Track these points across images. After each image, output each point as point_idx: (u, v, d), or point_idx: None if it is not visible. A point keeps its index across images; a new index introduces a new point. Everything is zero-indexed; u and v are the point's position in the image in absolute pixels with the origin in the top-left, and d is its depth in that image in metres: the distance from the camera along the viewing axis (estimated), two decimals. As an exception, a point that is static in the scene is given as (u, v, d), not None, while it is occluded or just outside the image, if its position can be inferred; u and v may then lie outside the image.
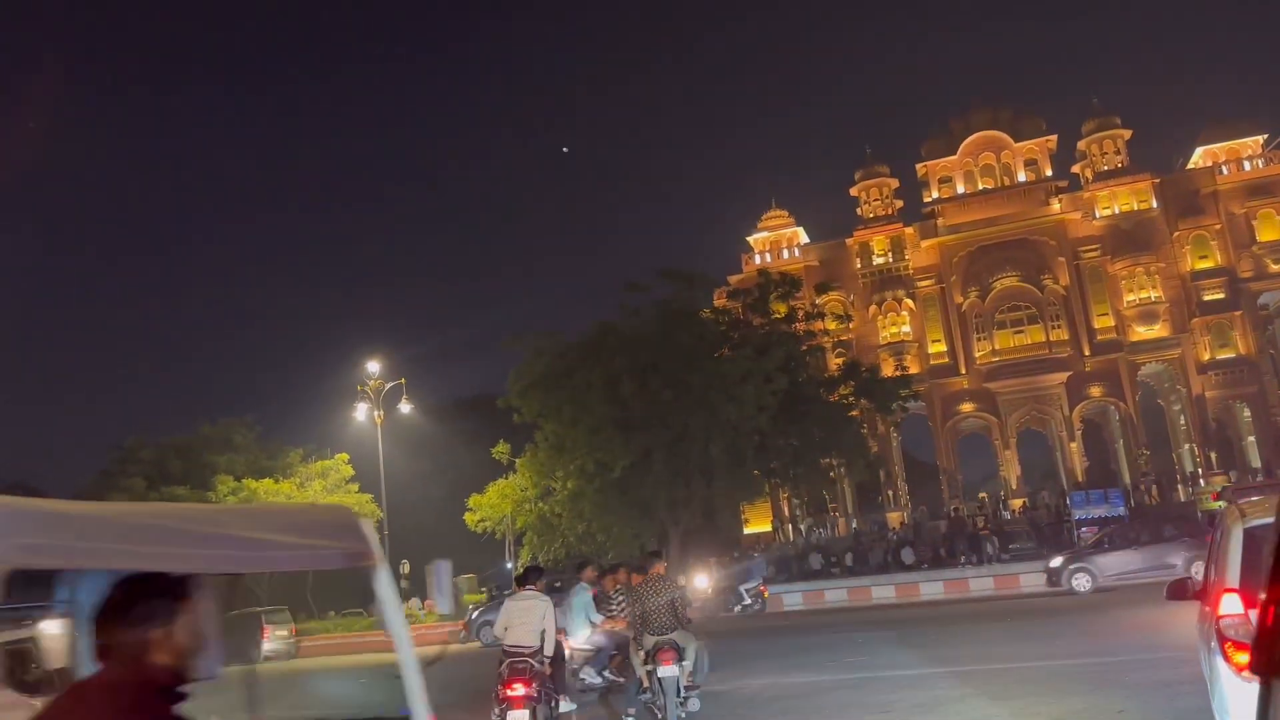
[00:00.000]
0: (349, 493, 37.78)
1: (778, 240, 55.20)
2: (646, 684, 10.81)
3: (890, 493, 51.24)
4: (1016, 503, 45.58)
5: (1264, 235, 46.26)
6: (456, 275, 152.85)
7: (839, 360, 36.25)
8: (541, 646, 10.43)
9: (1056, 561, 26.07)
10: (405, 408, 35.79)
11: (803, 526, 50.99)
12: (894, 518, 47.90)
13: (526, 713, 10.10)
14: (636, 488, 30.61)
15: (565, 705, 10.81)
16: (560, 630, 11.17)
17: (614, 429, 29.23)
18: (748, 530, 50.61)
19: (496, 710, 10.21)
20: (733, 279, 47.83)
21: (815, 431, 32.73)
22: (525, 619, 10.46)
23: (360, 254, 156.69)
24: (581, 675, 12.57)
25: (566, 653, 11.72)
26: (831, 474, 36.28)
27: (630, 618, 11.27)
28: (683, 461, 30.05)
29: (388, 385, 35.26)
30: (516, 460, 34.87)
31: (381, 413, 35.12)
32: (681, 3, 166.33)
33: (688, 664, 10.84)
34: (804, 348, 32.46)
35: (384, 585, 2.57)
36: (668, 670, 10.49)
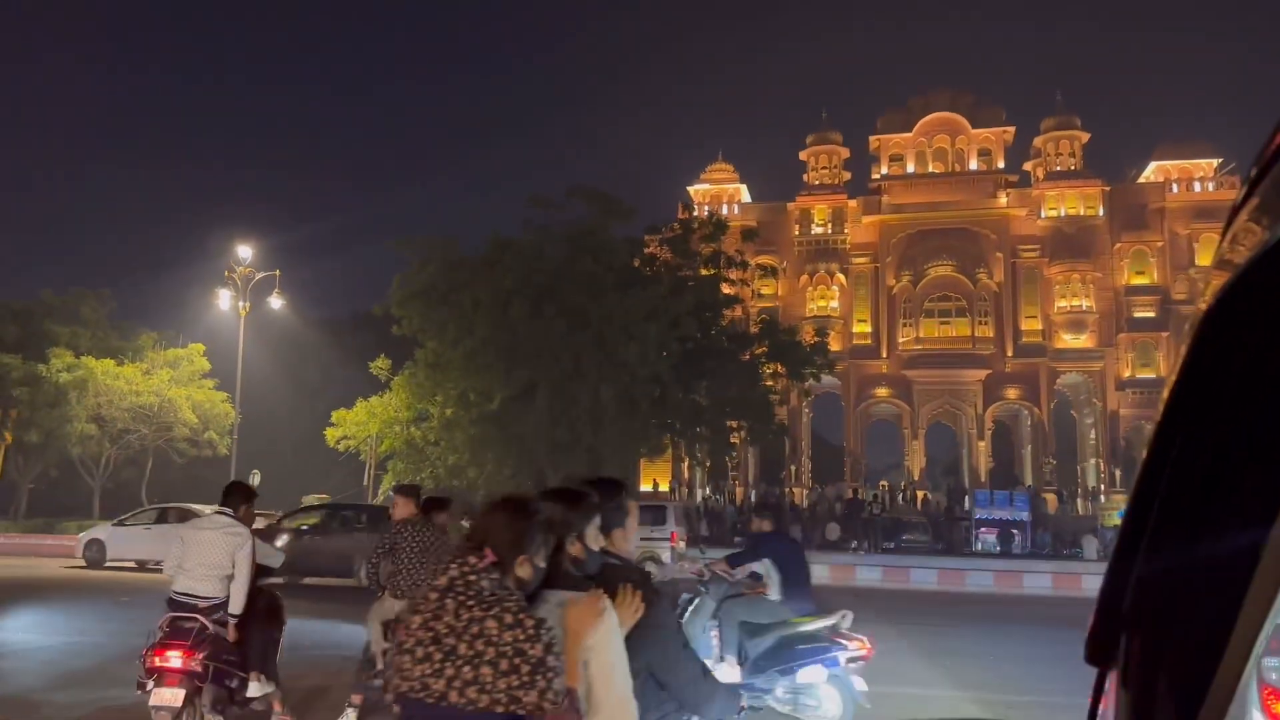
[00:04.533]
0: (202, 388, 33.31)
1: (719, 194, 51.65)
2: (381, 664, 7.40)
3: (794, 468, 48.93)
4: (919, 494, 43.53)
5: (1203, 259, 44.44)
6: (370, 179, 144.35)
7: (759, 322, 32.96)
8: (227, 600, 6.90)
9: None
10: (276, 302, 31.42)
11: (699, 492, 48.41)
12: (797, 493, 45.62)
13: (181, 693, 6.55)
14: (516, 424, 27.01)
15: (258, 687, 7.24)
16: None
17: (497, 355, 25.49)
18: (646, 489, 47.72)
19: (143, 681, 6.64)
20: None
21: (721, 389, 29.56)
22: (204, 556, 6.83)
23: (258, 132, 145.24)
24: None
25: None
26: (735, 438, 33.18)
27: (370, 571, 7.79)
28: (570, 402, 26.52)
29: (258, 275, 30.88)
30: (394, 379, 30.98)
31: (248, 304, 30.75)
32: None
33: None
34: (722, 296, 29.04)
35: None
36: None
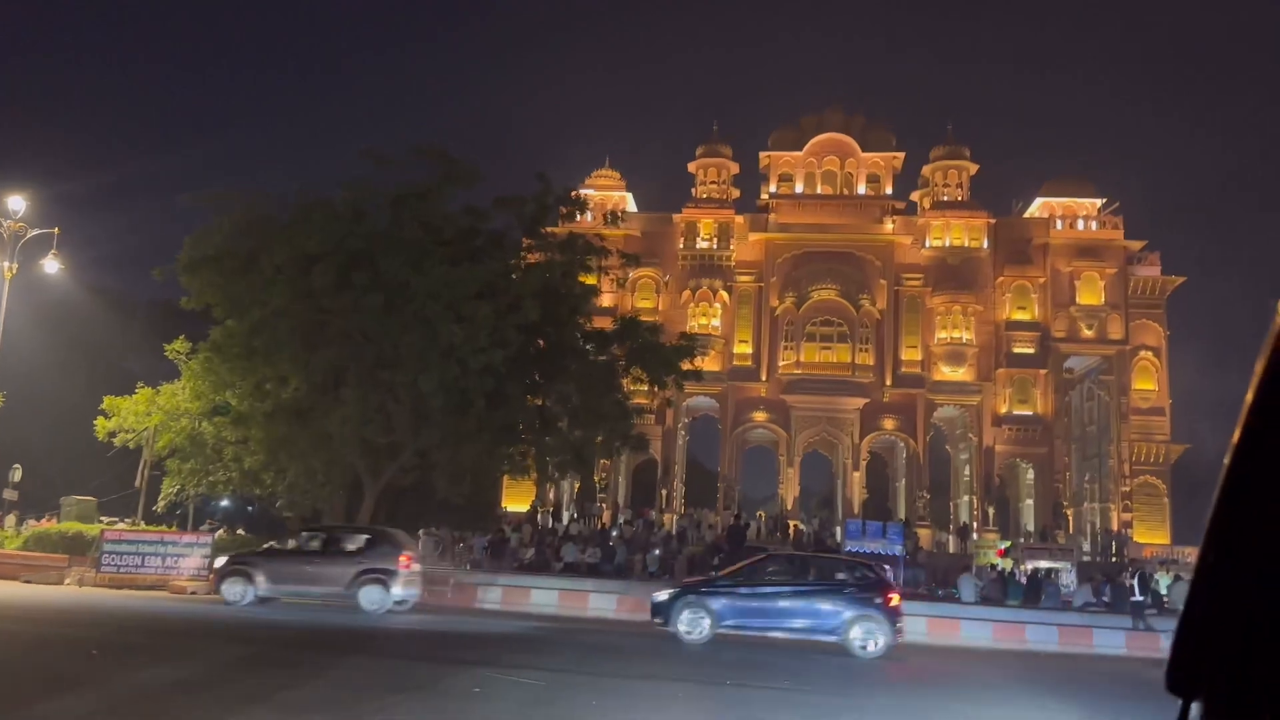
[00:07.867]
0: (-48, 364, 27.03)
1: (603, 201, 47.59)
2: None
3: (665, 493, 44.98)
4: (791, 524, 40.12)
5: (1083, 298, 42.85)
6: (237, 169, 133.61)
7: (619, 319, 28.74)
8: None
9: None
10: (52, 266, 25.70)
11: (564, 515, 43.94)
12: (668, 520, 41.65)
13: None
14: (321, 420, 22.03)
15: None
16: None
17: (292, 333, 20.56)
18: (512, 508, 42.92)
19: None
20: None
21: (576, 394, 25.19)
22: None
23: (55, 67, 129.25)
24: None
25: None
26: (592, 450, 28.78)
27: None
28: (385, 395, 21.75)
29: (31, 231, 25.14)
30: (189, 364, 25.48)
31: (15, 265, 24.97)
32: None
33: None
34: (579, 288, 24.77)
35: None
36: None
